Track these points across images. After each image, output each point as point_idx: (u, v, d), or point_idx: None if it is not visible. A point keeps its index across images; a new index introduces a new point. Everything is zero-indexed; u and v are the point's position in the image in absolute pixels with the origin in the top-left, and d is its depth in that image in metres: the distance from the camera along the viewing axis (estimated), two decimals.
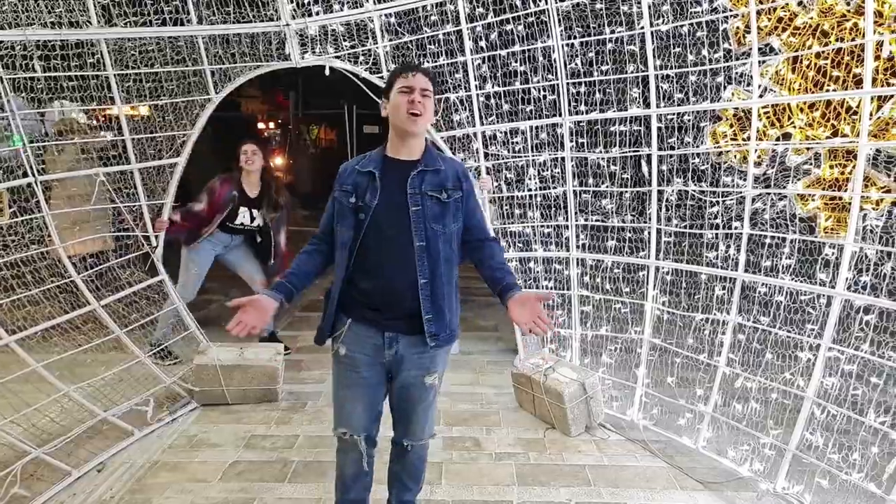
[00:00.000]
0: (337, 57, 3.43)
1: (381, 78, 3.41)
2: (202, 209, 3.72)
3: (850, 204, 2.31)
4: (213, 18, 3.28)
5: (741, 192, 2.69)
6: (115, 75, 3.26)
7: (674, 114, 2.91)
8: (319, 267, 1.92)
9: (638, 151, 3.06)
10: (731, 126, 2.75)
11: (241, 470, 2.69)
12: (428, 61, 3.38)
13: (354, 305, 1.84)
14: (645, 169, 3.04)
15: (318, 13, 3.34)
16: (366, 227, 1.77)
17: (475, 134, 3.48)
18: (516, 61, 3.30)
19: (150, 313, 3.51)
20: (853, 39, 2.33)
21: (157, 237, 3.56)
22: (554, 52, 3.18)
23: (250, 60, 3.43)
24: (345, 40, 3.41)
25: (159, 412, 3.19)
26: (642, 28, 2.90)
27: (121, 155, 3.39)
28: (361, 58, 3.43)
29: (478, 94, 3.40)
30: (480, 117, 3.44)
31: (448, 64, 3.39)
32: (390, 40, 3.38)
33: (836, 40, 2.39)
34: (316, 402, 3.41)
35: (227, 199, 3.74)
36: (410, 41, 3.37)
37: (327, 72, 3.46)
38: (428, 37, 3.35)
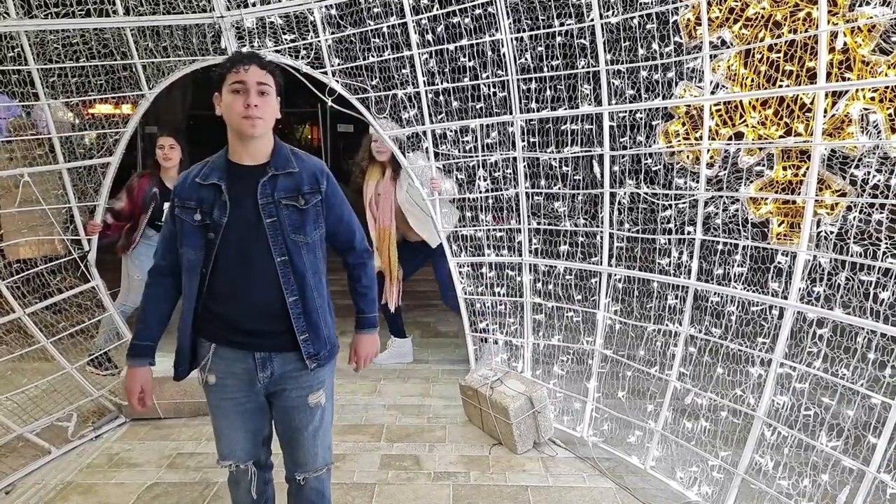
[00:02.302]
0: (277, 51, 3.23)
1: (325, 73, 3.23)
2: (123, 207, 3.52)
3: (803, 208, 2.14)
4: (142, 9, 3.08)
5: (694, 195, 2.52)
6: (37, 70, 3.06)
7: (626, 111, 2.74)
8: (172, 308, 1.71)
9: (590, 151, 2.89)
10: (684, 125, 2.58)
11: (158, 493, 2.51)
12: (373, 55, 3.19)
13: (215, 329, 1.64)
14: (597, 170, 2.87)
15: (254, 4, 3.14)
16: (217, 246, 1.57)
17: (425, 132, 3.30)
18: (465, 56, 3.12)
19: (81, 321, 3.32)
20: (806, 30, 2.16)
21: (89, 241, 3.38)
22: (503, 46, 3.00)
23: (185, 54, 3.23)
24: (285, 33, 3.22)
25: (82, 428, 3.00)
26: (592, 20, 2.72)
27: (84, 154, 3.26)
28: (303, 52, 3.24)
29: (426, 91, 3.22)
30: (430, 115, 3.25)
31: (394, 59, 3.20)
32: (332, 33, 3.19)
33: (790, 32, 2.21)
34: None
35: (147, 196, 3.54)
36: (354, 34, 3.19)
37: None
38: (372, 30, 3.16)
